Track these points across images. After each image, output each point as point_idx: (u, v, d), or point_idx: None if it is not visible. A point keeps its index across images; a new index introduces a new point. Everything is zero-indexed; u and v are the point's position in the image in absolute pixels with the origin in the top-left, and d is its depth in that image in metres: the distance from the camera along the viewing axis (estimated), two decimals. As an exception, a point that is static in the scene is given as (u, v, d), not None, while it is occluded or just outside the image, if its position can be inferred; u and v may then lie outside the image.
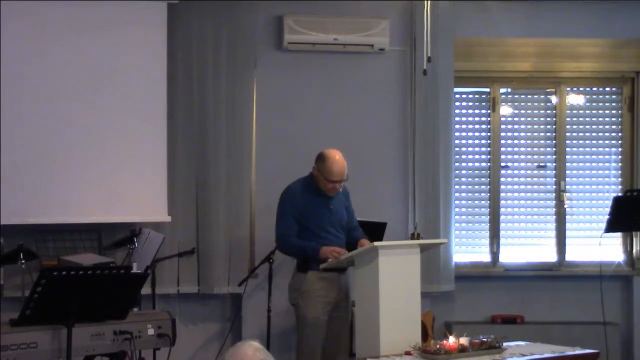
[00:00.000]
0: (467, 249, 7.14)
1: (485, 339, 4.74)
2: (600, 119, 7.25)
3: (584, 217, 7.21)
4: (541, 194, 7.21)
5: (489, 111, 7.16)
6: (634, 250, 7.14)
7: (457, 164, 6.99)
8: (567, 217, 7.15)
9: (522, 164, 7.21)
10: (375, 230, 5.99)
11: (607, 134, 7.25)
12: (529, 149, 7.22)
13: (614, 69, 7.17)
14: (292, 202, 5.37)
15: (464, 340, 4.67)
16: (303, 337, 5.33)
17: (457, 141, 7.00)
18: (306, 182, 5.43)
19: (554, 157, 7.19)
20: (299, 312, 5.35)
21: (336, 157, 5.31)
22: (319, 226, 5.32)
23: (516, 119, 7.22)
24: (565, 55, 7.13)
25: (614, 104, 7.27)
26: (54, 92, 6.09)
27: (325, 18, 6.67)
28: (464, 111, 7.15)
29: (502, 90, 7.18)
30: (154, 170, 6.34)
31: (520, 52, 7.11)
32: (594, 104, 7.27)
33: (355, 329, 5.26)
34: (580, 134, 7.24)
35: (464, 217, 7.12)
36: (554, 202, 7.17)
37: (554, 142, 7.19)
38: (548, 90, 7.23)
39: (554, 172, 7.18)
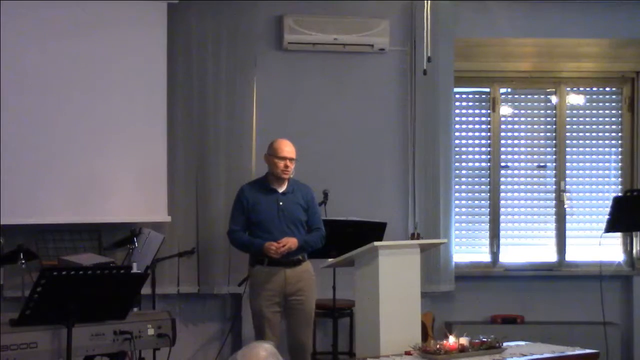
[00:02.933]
0: (467, 249, 7.14)
1: (485, 339, 4.74)
2: (600, 119, 7.25)
3: (584, 217, 7.21)
4: (541, 194, 7.21)
5: (489, 111, 7.16)
6: (634, 250, 7.14)
7: (457, 164, 6.99)
8: (567, 217, 7.15)
9: (522, 164, 7.21)
10: (375, 230, 5.98)
11: (607, 134, 7.25)
12: (529, 149, 7.22)
13: (614, 69, 7.17)
14: (241, 199, 5.59)
15: (464, 340, 4.67)
16: (254, 328, 5.55)
17: (457, 141, 7.00)
18: (259, 180, 5.69)
19: (554, 157, 7.19)
20: (250, 305, 5.58)
21: (282, 139, 5.59)
22: (265, 221, 5.49)
23: (516, 119, 7.22)
24: (565, 55, 7.12)
25: (614, 104, 7.27)
26: (53, 92, 6.09)
27: (325, 18, 6.68)
28: (464, 111, 7.15)
29: (502, 90, 7.18)
30: (154, 170, 6.34)
31: (520, 52, 7.11)
32: (594, 104, 7.27)
33: (355, 328, 5.26)
34: (580, 134, 7.24)
35: (464, 217, 7.12)
36: (554, 202, 7.17)
37: (554, 142, 7.19)
38: (548, 90, 7.23)
39: (554, 172, 7.18)
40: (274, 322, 5.48)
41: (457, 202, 6.97)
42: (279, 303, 5.49)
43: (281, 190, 5.57)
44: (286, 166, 5.50)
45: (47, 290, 4.09)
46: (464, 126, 7.15)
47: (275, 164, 5.51)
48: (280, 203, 5.53)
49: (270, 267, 5.46)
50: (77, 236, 6.23)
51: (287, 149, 5.53)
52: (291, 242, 5.41)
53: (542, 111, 7.25)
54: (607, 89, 7.29)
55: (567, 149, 7.18)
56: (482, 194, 7.16)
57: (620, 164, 7.22)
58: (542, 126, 7.24)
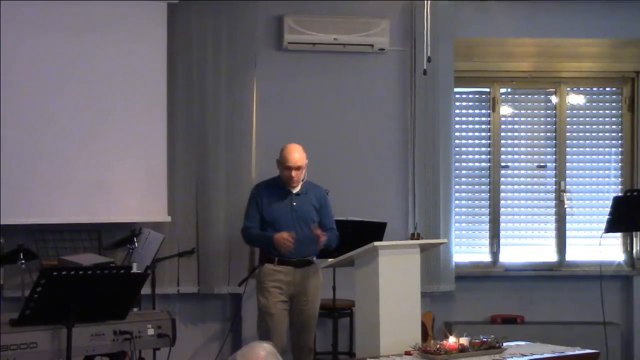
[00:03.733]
0: (467, 249, 7.14)
1: (485, 339, 4.74)
2: (600, 119, 7.26)
3: (584, 217, 7.21)
4: (541, 194, 7.21)
5: (489, 111, 7.16)
6: (634, 250, 7.14)
7: (457, 164, 6.99)
8: (567, 217, 7.15)
9: (522, 164, 7.21)
10: (375, 230, 5.99)
11: (607, 134, 7.25)
12: (529, 149, 7.23)
13: (614, 69, 7.17)
14: (255, 197, 5.60)
15: (464, 340, 4.67)
16: (259, 327, 5.54)
17: (457, 141, 7.00)
18: (273, 180, 5.66)
19: (554, 157, 7.19)
20: (257, 303, 5.56)
21: (292, 146, 5.54)
22: (278, 220, 5.50)
23: (516, 119, 7.22)
24: (565, 55, 7.13)
25: (614, 104, 7.27)
26: (53, 92, 6.09)
27: (325, 18, 6.68)
28: (464, 111, 7.15)
29: (502, 90, 7.18)
30: (154, 170, 6.35)
31: (520, 52, 7.11)
32: (594, 104, 7.27)
33: (355, 328, 5.25)
34: (580, 134, 7.24)
35: (464, 217, 7.12)
36: (554, 202, 7.17)
37: (554, 142, 7.20)
38: (548, 90, 7.23)
39: (554, 172, 7.18)
40: (280, 321, 5.48)
41: (457, 202, 6.97)
42: (286, 302, 5.50)
43: (295, 190, 5.57)
44: (291, 176, 5.47)
45: (47, 290, 4.08)
46: (464, 126, 7.15)
47: (283, 174, 5.52)
48: (294, 203, 5.53)
49: (281, 266, 5.47)
50: (77, 236, 6.23)
51: (294, 157, 5.46)
52: (318, 232, 5.37)
53: (542, 111, 7.26)
54: (607, 89, 7.29)
55: (567, 149, 7.19)
56: (482, 194, 7.17)
57: (620, 164, 7.22)
58: (542, 126, 7.24)
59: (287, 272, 5.47)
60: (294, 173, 5.47)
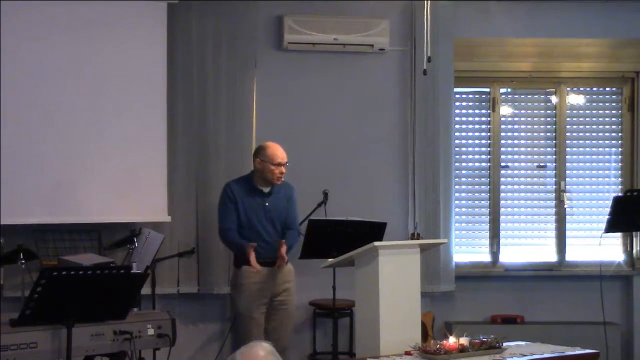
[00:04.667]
0: (467, 249, 7.14)
1: (485, 339, 4.74)
2: (600, 119, 7.26)
3: (584, 217, 7.21)
4: (541, 194, 7.21)
5: (489, 111, 7.16)
6: (634, 250, 7.14)
7: (457, 164, 7.00)
8: (567, 217, 7.15)
9: (522, 164, 7.21)
10: (375, 230, 5.98)
11: (607, 134, 7.26)
12: (529, 149, 7.23)
13: (614, 69, 7.17)
14: (230, 195, 5.64)
15: (464, 340, 4.67)
16: (238, 329, 5.59)
17: (457, 141, 7.00)
18: (245, 179, 5.73)
19: (554, 157, 7.19)
20: (233, 305, 5.62)
21: (273, 143, 5.65)
22: (252, 221, 5.58)
23: (516, 119, 7.22)
24: (565, 55, 7.13)
25: (614, 104, 7.27)
26: (53, 92, 6.09)
27: (325, 18, 6.68)
28: (464, 111, 7.15)
29: (502, 90, 7.18)
30: (154, 170, 6.35)
31: (520, 52, 7.11)
32: (594, 104, 7.27)
33: (355, 328, 5.25)
34: (580, 134, 7.24)
35: (464, 217, 7.12)
36: (554, 202, 7.17)
37: (554, 142, 7.20)
38: (548, 90, 7.23)
39: (554, 172, 7.18)
40: (260, 323, 5.55)
41: (457, 202, 6.97)
42: (266, 304, 5.57)
43: (267, 190, 5.65)
44: (282, 172, 5.59)
45: (47, 290, 4.09)
46: (464, 126, 7.15)
47: (271, 171, 5.57)
48: (267, 204, 5.62)
49: (260, 267, 5.50)
50: (77, 236, 6.23)
51: (280, 154, 5.59)
52: (283, 254, 5.47)
53: (542, 111, 7.26)
54: (607, 89, 7.29)
55: (567, 149, 7.19)
56: (482, 194, 7.17)
57: (620, 164, 7.22)
58: (542, 126, 7.24)
59: (265, 272, 5.52)
60: (283, 169, 5.57)
